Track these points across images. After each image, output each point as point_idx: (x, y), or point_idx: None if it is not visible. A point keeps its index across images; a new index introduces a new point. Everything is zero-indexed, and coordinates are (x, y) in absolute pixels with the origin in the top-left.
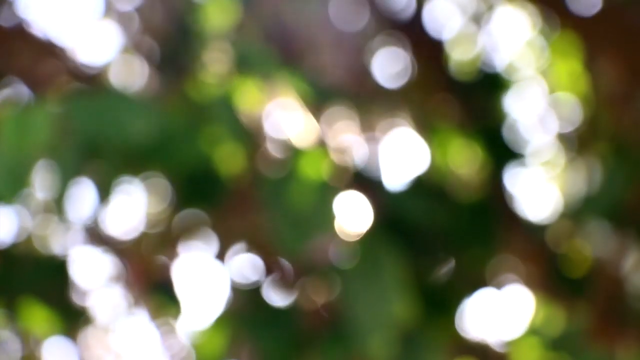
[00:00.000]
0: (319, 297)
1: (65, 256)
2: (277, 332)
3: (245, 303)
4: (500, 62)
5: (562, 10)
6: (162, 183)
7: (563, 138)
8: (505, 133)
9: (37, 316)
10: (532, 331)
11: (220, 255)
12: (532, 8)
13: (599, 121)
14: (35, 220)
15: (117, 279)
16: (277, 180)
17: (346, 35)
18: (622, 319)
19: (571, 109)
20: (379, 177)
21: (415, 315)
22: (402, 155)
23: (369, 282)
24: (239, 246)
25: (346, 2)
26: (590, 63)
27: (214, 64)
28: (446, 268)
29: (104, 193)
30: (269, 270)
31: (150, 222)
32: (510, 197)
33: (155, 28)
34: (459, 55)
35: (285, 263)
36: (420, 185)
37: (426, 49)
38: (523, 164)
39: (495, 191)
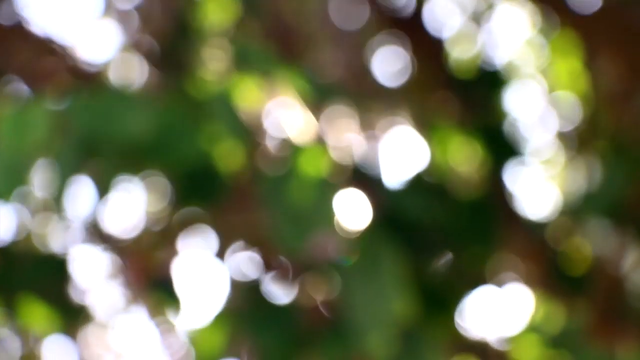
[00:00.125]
0: (319, 294)
1: (64, 254)
2: (277, 329)
3: (245, 300)
4: (500, 60)
5: (562, 8)
6: (162, 180)
7: (563, 136)
8: (505, 131)
9: (36, 314)
10: (532, 329)
11: (220, 253)
12: (532, 6)
13: (599, 119)
14: (35, 218)
15: (116, 276)
16: (277, 177)
17: (346, 33)
18: (622, 317)
19: (571, 107)
20: (379, 174)
21: (414, 313)
22: (402, 153)
23: (368, 279)
24: (239, 243)
25: (346, 0)
26: (590, 61)
27: (213, 62)
28: (446, 266)
29: (103, 191)
30: (268, 267)
31: (150, 220)
32: (510, 195)
33: (154, 26)
34: (458, 54)
35: (284, 260)
36: (420, 183)
37: (426, 47)
38: (523, 162)
39: (495, 189)
